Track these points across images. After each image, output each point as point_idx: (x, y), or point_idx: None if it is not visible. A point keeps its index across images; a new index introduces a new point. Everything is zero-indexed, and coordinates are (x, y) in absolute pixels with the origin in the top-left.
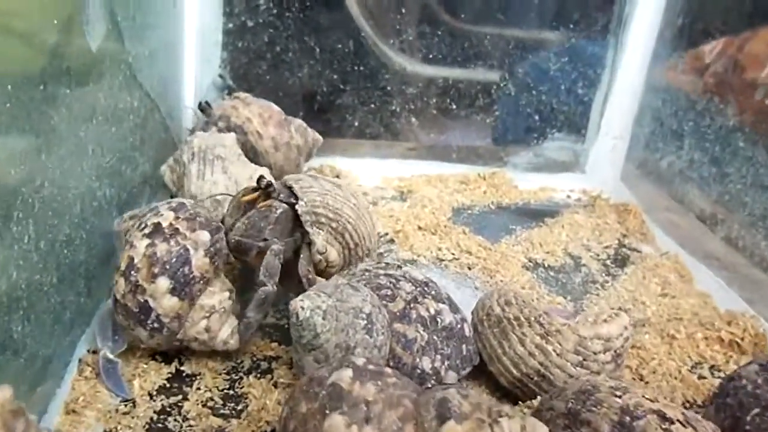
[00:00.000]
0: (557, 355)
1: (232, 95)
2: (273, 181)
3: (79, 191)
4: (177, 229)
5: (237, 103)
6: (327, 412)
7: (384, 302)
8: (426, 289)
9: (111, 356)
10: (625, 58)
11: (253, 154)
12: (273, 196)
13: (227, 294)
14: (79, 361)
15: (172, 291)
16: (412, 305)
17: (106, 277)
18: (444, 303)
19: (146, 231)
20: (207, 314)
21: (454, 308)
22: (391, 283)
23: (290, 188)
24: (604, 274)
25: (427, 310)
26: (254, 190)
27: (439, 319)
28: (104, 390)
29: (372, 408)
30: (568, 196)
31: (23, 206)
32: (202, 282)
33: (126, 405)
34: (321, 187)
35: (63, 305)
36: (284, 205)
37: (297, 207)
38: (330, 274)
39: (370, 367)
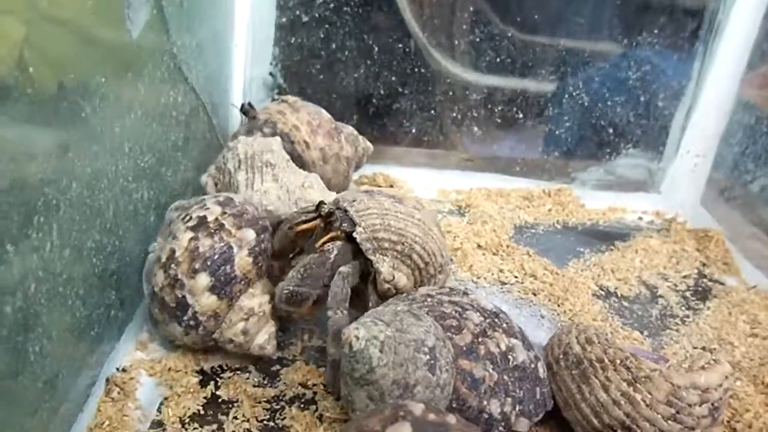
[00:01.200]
0: (646, 405)
1: (280, 99)
2: (332, 207)
3: (112, 193)
4: (222, 224)
5: (284, 107)
6: None
7: (449, 334)
8: (496, 320)
9: None
10: (714, 69)
11: (299, 165)
12: (335, 226)
13: (268, 297)
14: (107, 381)
15: (212, 289)
16: (480, 339)
17: (142, 286)
18: (517, 338)
19: (190, 224)
20: (246, 316)
21: (528, 345)
22: (456, 312)
23: (345, 212)
24: (684, 308)
25: (498, 345)
26: (311, 218)
27: (510, 357)
28: (131, 414)
29: None
30: (640, 218)
31: (45, 209)
32: (243, 282)
33: None
34: (380, 207)
35: (89, 320)
36: (339, 244)
37: (355, 235)
38: None
39: (431, 416)
